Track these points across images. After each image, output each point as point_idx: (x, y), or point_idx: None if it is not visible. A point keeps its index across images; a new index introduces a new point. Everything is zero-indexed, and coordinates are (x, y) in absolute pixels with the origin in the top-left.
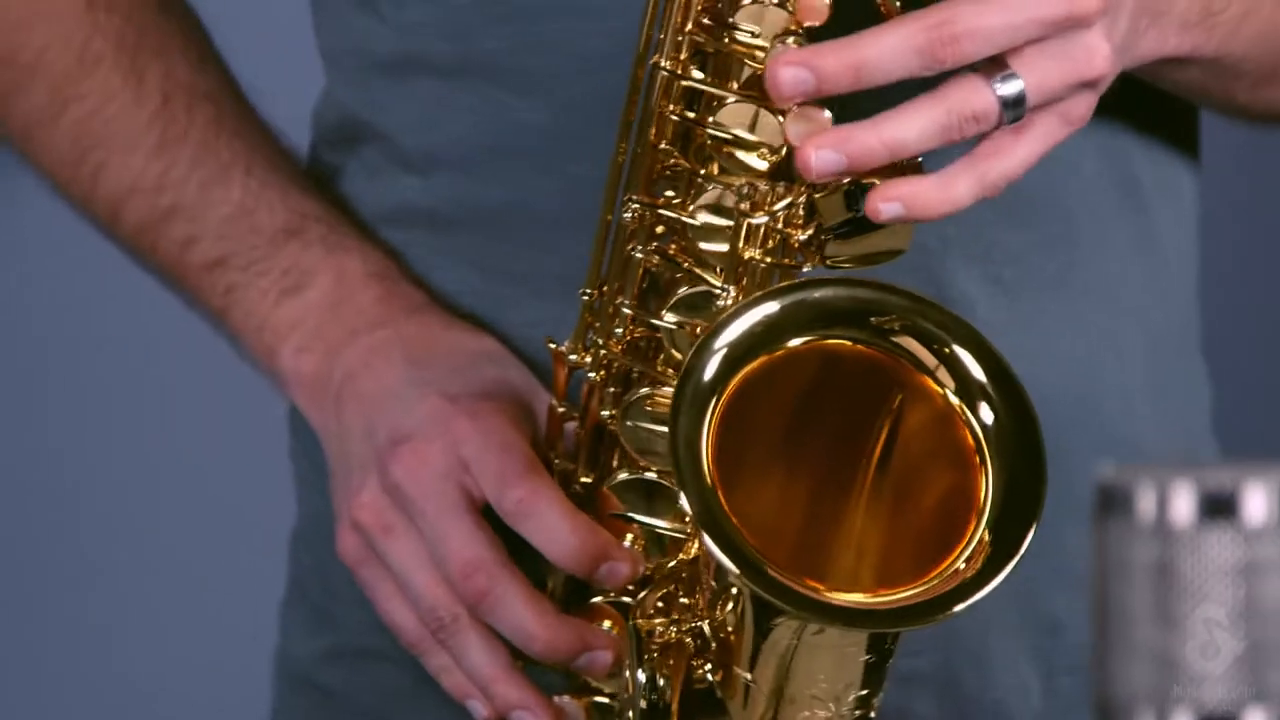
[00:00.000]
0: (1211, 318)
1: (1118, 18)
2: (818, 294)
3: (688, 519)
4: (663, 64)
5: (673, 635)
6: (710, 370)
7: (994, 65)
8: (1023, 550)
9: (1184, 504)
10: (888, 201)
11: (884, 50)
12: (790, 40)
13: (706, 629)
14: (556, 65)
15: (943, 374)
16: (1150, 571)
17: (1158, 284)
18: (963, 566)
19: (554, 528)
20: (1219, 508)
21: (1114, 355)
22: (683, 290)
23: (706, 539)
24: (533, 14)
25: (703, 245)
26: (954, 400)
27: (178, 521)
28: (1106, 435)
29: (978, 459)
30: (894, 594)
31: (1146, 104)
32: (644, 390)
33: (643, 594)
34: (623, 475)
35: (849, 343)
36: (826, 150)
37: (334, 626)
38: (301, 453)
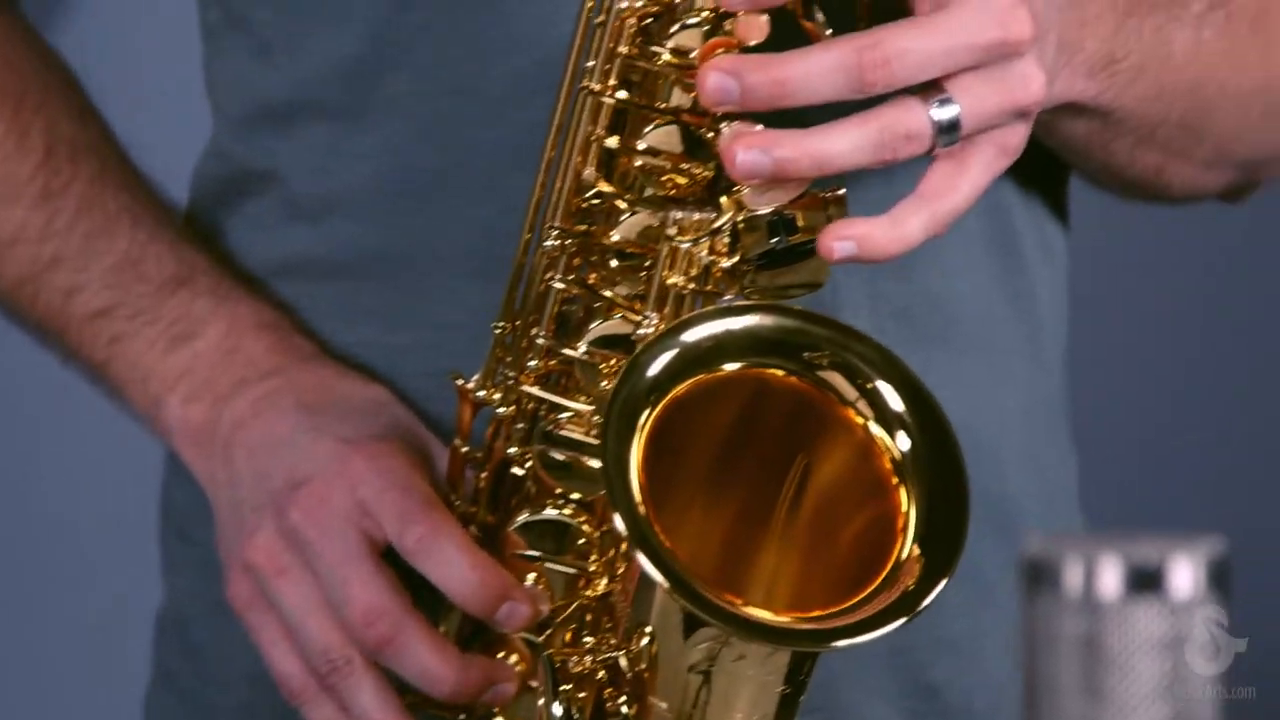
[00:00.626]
0: (1076, 387)
1: (1045, 47)
2: (743, 321)
3: (592, 558)
4: (592, 86)
5: (587, 665)
6: (643, 386)
7: (930, 89)
8: (951, 573)
9: (1111, 577)
10: (841, 240)
11: (811, 68)
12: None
13: (623, 661)
14: (456, 108)
15: (863, 405)
16: (1077, 645)
17: (1033, 348)
18: (894, 585)
19: (455, 564)
20: (1146, 581)
21: (991, 418)
22: (599, 322)
23: (634, 549)
24: (431, 58)
25: (623, 275)
26: (875, 430)
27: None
28: (978, 500)
29: (897, 483)
30: (824, 614)
31: (1028, 163)
32: (564, 414)
33: (548, 632)
34: (524, 516)
35: (777, 371)
36: (755, 150)
37: (208, 713)
38: (172, 533)
